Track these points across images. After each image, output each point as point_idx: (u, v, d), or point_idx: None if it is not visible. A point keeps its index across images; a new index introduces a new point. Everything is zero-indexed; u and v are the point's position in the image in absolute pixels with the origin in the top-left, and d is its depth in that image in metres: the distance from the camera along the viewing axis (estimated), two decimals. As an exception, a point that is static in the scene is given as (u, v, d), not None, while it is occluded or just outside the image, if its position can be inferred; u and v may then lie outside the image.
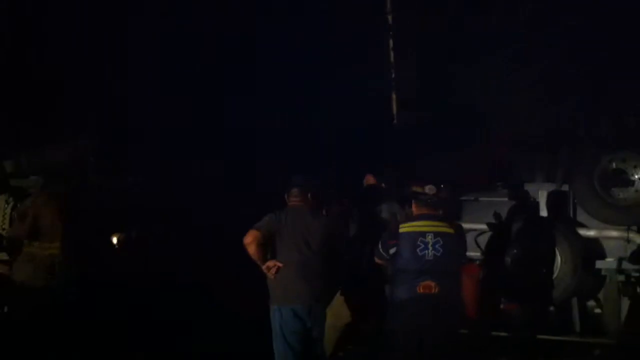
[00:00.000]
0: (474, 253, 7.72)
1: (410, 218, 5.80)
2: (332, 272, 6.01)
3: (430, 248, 5.58)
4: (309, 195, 6.07)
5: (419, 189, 5.76)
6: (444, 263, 5.60)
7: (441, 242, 5.60)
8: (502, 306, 7.61)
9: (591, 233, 7.59)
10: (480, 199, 8.02)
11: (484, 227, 7.85)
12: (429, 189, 5.75)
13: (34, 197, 6.46)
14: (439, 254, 5.58)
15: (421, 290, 5.57)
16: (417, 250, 5.58)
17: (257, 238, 5.89)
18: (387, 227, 5.95)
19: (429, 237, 5.61)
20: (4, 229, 7.05)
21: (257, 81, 8.22)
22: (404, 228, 5.66)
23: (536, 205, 7.81)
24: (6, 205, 7.10)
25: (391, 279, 5.78)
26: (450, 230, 5.67)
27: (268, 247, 5.98)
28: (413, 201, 5.80)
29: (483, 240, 7.85)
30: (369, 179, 6.98)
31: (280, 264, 5.93)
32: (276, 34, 8.13)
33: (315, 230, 5.97)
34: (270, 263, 5.94)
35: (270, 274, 5.94)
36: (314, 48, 8.27)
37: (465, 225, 7.73)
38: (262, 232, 5.92)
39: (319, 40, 8.34)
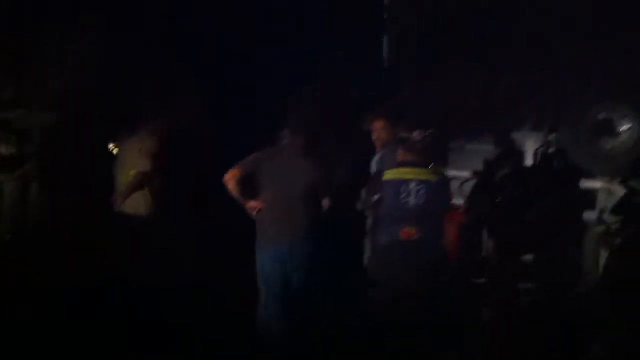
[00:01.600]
0: (458, 201, 7.74)
1: (395, 164, 5.75)
2: (317, 212, 6.05)
3: (413, 195, 5.61)
4: (303, 134, 6.09)
5: (406, 134, 5.72)
6: (427, 210, 5.64)
7: (425, 190, 5.61)
8: (483, 253, 7.67)
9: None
10: (466, 146, 7.99)
11: (469, 174, 7.84)
12: (418, 133, 5.71)
13: None
14: (421, 202, 5.60)
15: (403, 237, 5.60)
16: (400, 197, 5.59)
17: (236, 176, 5.96)
18: (371, 174, 5.93)
19: (413, 184, 5.61)
20: None
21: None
22: (388, 175, 5.66)
23: (522, 154, 7.81)
24: None
25: (373, 226, 5.78)
26: (434, 178, 5.67)
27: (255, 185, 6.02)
28: (399, 146, 5.74)
29: (467, 188, 7.83)
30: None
31: (262, 205, 5.95)
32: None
33: (301, 171, 5.99)
34: (253, 203, 5.97)
35: (252, 214, 6.00)
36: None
37: (451, 173, 7.80)
38: (242, 170, 5.98)
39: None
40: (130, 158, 6.81)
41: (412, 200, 5.58)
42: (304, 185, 6.02)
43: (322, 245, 6.09)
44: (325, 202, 6.14)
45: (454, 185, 7.72)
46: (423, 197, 5.58)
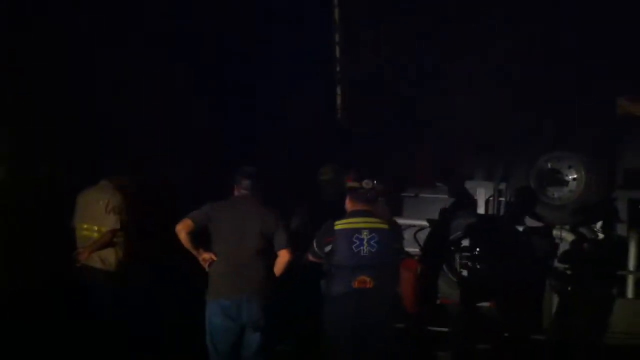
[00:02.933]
0: (412, 249, 7.88)
1: (345, 214, 5.82)
2: (269, 267, 5.86)
3: (366, 244, 5.65)
4: (256, 187, 5.93)
5: (355, 184, 5.82)
6: (379, 258, 5.67)
7: (376, 238, 5.67)
8: (439, 301, 7.78)
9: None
10: (421, 195, 8.16)
11: (423, 223, 8.00)
12: (366, 183, 5.80)
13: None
14: (374, 250, 5.65)
15: (356, 285, 5.65)
16: (353, 246, 5.63)
17: (188, 226, 5.81)
18: (322, 225, 5.90)
19: (365, 233, 5.66)
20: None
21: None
22: (339, 225, 5.71)
23: (475, 202, 8.01)
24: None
25: (326, 275, 5.81)
26: (385, 226, 5.74)
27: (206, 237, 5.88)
28: (348, 196, 5.83)
29: (422, 236, 7.99)
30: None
31: (214, 257, 5.83)
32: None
33: (254, 223, 5.82)
34: (205, 255, 5.85)
35: (205, 266, 5.85)
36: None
37: (405, 221, 7.96)
38: (195, 220, 5.83)
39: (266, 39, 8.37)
40: (92, 212, 6.72)
41: (364, 249, 5.64)
42: (255, 238, 5.81)
43: (274, 301, 5.89)
44: (282, 255, 5.85)
45: (409, 234, 7.93)
46: (375, 246, 5.63)
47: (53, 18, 7.16)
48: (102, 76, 7.50)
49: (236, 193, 5.99)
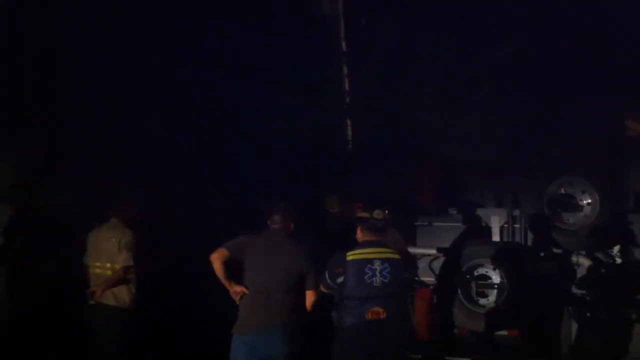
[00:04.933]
0: (428, 278, 7.82)
1: (357, 245, 5.77)
2: (298, 303, 5.83)
3: (378, 275, 5.59)
4: (290, 221, 5.95)
5: (365, 214, 5.81)
6: (392, 288, 5.60)
7: (388, 269, 5.61)
8: (455, 330, 7.70)
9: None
10: (434, 224, 8.12)
11: (437, 252, 7.94)
12: (377, 213, 5.77)
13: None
14: (386, 280, 5.59)
15: (370, 317, 5.57)
16: (365, 277, 5.57)
17: (223, 255, 5.80)
18: (334, 255, 5.82)
19: (377, 263, 5.61)
20: None
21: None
22: (351, 256, 5.65)
23: (488, 230, 7.95)
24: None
25: (338, 306, 5.73)
26: (397, 256, 5.70)
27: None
28: (359, 227, 5.79)
29: (437, 265, 7.93)
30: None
31: (246, 290, 5.79)
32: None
33: (287, 260, 5.81)
34: (237, 288, 5.81)
35: (236, 299, 5.81)
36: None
37: (420, 250, 7.92)
38: (230, 250, 5.81)
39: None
40: (105, 249, 6.72)
41: (377, 279, 5.59)
42: (287, 274, 5.77)
43: (297, 338, 5.83)
44: (310, 295, 5.82)
45: (424, 263, 7.88)
46: (388, 276, 5.57)
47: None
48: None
49: (270, 227, 5.98)
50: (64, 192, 7.44)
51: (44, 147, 7.41)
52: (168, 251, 7.35)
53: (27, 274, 7.28)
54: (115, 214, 6.82)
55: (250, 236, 5.94)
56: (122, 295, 6.68)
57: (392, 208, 5.77)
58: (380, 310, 5.59)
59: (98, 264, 6.77)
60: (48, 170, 7.45)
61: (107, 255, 6.72)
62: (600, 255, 7.60)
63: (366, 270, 5.62)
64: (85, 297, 6.72)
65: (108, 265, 6.72)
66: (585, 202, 7.59)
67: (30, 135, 7.33)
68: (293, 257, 5.85)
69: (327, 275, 5.73)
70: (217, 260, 5.81)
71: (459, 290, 7.67)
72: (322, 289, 5.82)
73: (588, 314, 7.25)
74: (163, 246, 7.30)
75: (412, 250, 7.60)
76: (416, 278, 7.20)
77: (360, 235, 5.77)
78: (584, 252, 7.55)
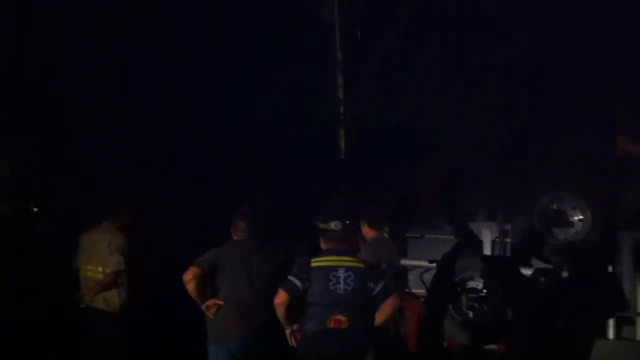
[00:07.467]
0: (418, 290, 7.84)
1: (320, 252, 5.74)
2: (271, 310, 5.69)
3: (342, 282, 5.58)
4: (255, 227, 5.93)
5: (324, 225, 5.80)
6: (355, 297, 5.54)
7: (352, 277, 5.56)
8: (445, 343, 7.71)
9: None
10: (426, 236, 8.15)
11: (429, 264, 7.97)
12: (335, 225, 5.80)
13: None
14: (350, 288, 5.53)
15: (332, 325, 5.55)
16: (330, 284, 5.53)
17: (197, 275, 5.73)
18: (297, 261, 5.79)
19: (341, 271, 5.57)
20: None
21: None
22: (316, 262, 5.62)
23: (480, 243, 7.99)
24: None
25: (302, 313, 5.66)
26: (361, 265, 5.65)
27: (208, 282, 5.84)
28: (320, 236, 5.77)
29: (428, 277, 7.96)
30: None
31: (220, 302, 5.79)
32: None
33: (259, 265, 5.85)
34: (210, 302, 5.80)
35: (210, 314, 5.81)
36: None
37: (411, 262, 7.94)
38: (202, 267, 5.76)
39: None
40: (96, 253, 6.71)
41: (341, 287, 5.54)
42: (262, 280, 5.82)
43: (276, 344, 5.78)
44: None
45: (415, 275, 7.90)
46: (352, 284, 5.53)
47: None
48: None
49: (234, 236, 5.98)
50: (59, 195, 7.42)
51: (39, 150, 7.41)
52: (160, 255, 7.35)
53: (19, 277, 7.25)
54: (109, 220, 6.82)
55: (219, 248, 5.91)
56: (113, 299, 6.66)
57: (354, 218, 5.78)
58: (343, 318, 5.55)
59: (89, 267, 6.74)
60: (43, 173, 7.43)
61: (99, 258, 6.69)
62: (590, 271, 7.64)
63: (330, 277, 5.57)
64: (76, 300, 6.72)
65: (100, 269, 6.69)
66: (576, 218, 7.65)
67: (26, 137, 7.33)
68: (264, 260, 5.89)
69: (297, 282, 5.59)
70: (191, 281, 5.73)
71: (449, 303, 7.71)
72: (283, 293, 5.60)
73: (577, 330, 7.27)
74: (155, 250, 7.30)
75: (403, 262, 7.65)
76: (406, 290, 7.25)
77: (323, 244, 5.76)
78: (573, 268, 7.60)
